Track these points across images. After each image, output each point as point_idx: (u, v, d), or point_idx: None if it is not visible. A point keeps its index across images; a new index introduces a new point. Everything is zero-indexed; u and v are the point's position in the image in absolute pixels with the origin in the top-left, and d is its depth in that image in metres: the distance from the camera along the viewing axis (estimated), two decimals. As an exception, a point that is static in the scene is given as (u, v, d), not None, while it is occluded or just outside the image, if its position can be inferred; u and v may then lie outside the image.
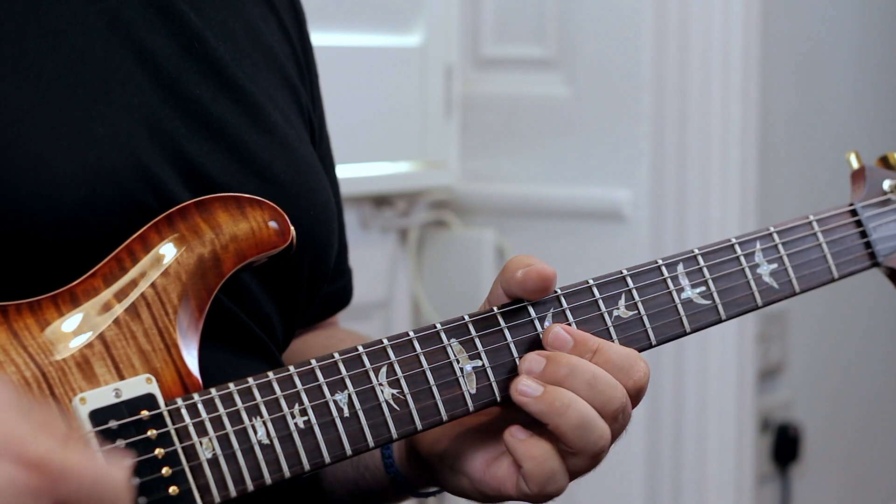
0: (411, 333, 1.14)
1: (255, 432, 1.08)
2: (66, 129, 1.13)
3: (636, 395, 1.19)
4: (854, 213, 1.36)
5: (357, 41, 2.63)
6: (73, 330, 1.07)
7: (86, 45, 1.16)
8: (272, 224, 1.14)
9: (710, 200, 2.69)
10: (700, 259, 1.26)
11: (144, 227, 1.11)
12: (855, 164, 1.39)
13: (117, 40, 1.18)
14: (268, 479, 1.08)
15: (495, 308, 1.18)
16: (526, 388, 1.14)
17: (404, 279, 2.77)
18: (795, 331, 3.21)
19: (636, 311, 1.22)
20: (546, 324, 1.19)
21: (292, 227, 1.14)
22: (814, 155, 3.22)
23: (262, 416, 1.08)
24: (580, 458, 1.16)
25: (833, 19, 3.26)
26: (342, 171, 2.78)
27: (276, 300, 1.25)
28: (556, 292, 1.20)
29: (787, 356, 3.21)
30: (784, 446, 3.18)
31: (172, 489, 1.05)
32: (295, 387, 1.10)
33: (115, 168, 1.13)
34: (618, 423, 1.17)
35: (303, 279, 1.27)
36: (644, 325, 1.22)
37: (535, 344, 1.18)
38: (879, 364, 3.43)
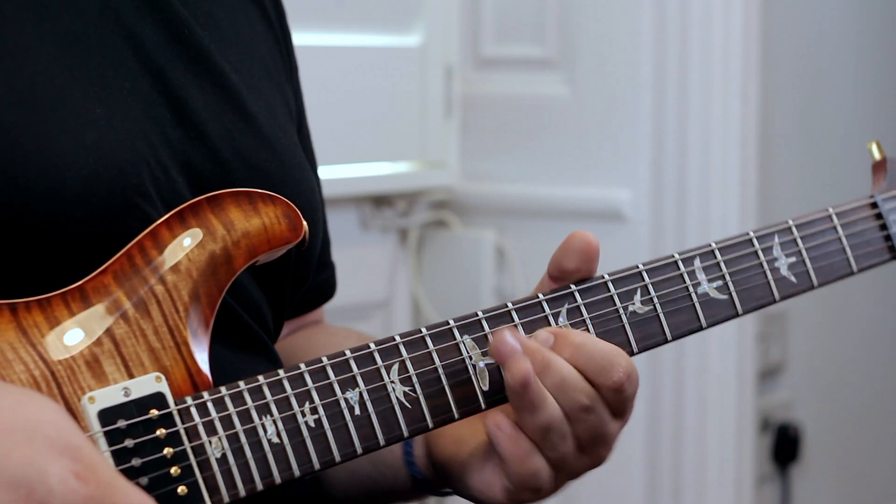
0: (424, 330, 1.13)
1: (265, 431, 1.07)
2: (65, 112, 1.12)
3: (614, 396, 1.14)
4: (874, 205, 1.35)
5: (357, 41, 2.62)
6: (82, 327, 1.06)
7: (80, 29, 1.16)
8: (284, 219, 1.13)
9: (710, 200, 2.68)
10: (717, 253, 1.25)
11: (155, 224, 1.11)
12: (877, 155, 1.37)
13: (108, 25, 1.18)
14: (277, 478, 1.07)
15: (509, 303, 1.17)
16: (517, 368, 1.11)
17: (404, 279, 2.77)
18: (795, 331, 3.21)
19: (652, 307, 1.21)
20: (560, 320, 1.18)
21: (304, 222, 1.14)
22: (814, 155, 3.21)
23: (272, 415, 1.07)
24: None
25: (833, 19, 3.26)
26: (343, 171, 2.78)
27: (265, 290, 1.25)
28: (570, 287, 1.19)
29: (787, 356, 3.20)
30: (784, 446, 3.17)
31: (181, 489, 1.04)
32: (306, 385, 1.09)
33: (113, 150, 1.13)
34: (582, 423, 1.14)
35: (289, 268, 1.26)
36: (660, 321, 1.21)
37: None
38: (879, 364, 3.42)
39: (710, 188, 2.68)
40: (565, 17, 2.72)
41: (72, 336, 1.06)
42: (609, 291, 1.20)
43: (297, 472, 1.08)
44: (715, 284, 1.24)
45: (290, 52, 1.39)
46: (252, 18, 1.33)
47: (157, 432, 1.04)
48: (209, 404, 1.06)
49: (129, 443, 1.03)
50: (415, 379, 1.12)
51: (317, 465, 1.09)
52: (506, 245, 2.76)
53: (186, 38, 1.22)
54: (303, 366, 1.09)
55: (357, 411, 1.10)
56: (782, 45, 3.05)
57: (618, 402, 1.15)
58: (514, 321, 1.16)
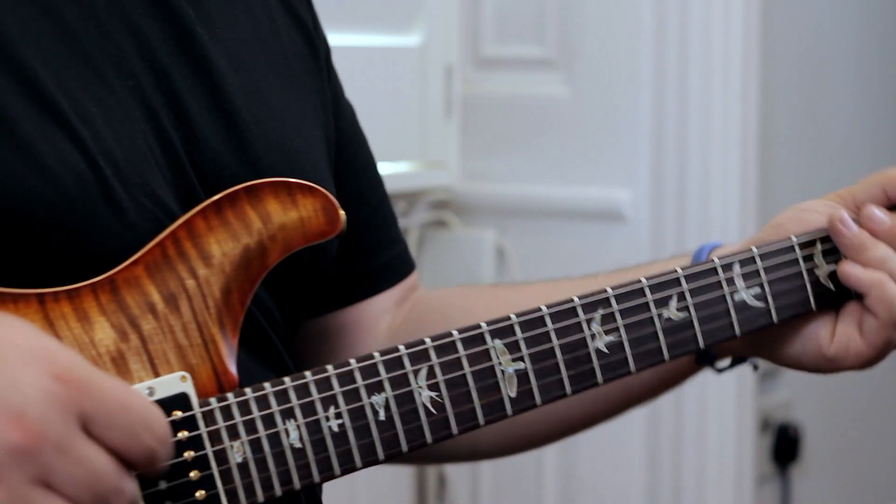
0: (455, 333, 1.11)
1: (288, 436, 1.05)
2: (62, 109, 1.10)
3: None
4: None
5: (357, 41, 2.62)
6: (110, 322, 1.04)
7: (82, 25, 1.14)
8: (322, 212, 1.10)
9: (710, 200, 2.68)
10: (758, 259, 1.23)
11: (191, 213, 1.08)
12: None
13: (113, 22, 1.16)
14: (297, 484, 1.05)
15: (543, 307, 1.15)
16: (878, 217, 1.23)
17: (404, 280, 2.76)
18: (794, 331, 3.20)
19: (687, 314, 1.19)
20: (594, 326, 1.16)
21: (342, 214, 1.10)
22: (815, 155, 3.21)
23: (296, 419, 1.05)
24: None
25: (834, 19, 3.26)
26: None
27: (275, 293, 1.22)
28: (605, 292, 1.17)
29: (786, 356, 3.20)
30: (784, 446, 3.17)
31: (200, 493, 1.03)
32: (332, 389, 1.07)
33: (110, 149, 1.11)
34: None
35: (304, 267, 1.23)
36: (693, 328, 1.19)
37: (581, 346, 1.15)
38: (879, 364, 3.42)
39: (710, 188, 2.68)
40: (565, 17, 2.72)
41: (98, 331, 1.04)
42: (645, 297, 1.18)
43: (317, 479, 1.06)
44: (752, 292, 1.22)
45: (319, 33, 1.36)
46: (271, 8, 1.31)
47: (180, 435, 1.03)
48: (233, 407, 1.04)
49: (150, 445, 1.02)
50: (442, 384, 1.10)
51: (338, 472, 1.07)
52: (506, 245, 2.76)
53: (193, 38, 1.20)
54: (330, 368, 1.07)
55: (382, 416, 1.08)
56: (782, 45, 3.05)
57: None
58: (546, 326, 1.14)
